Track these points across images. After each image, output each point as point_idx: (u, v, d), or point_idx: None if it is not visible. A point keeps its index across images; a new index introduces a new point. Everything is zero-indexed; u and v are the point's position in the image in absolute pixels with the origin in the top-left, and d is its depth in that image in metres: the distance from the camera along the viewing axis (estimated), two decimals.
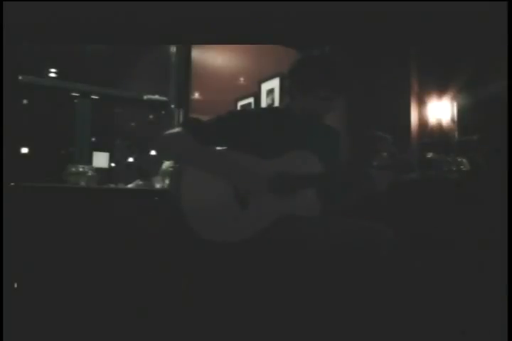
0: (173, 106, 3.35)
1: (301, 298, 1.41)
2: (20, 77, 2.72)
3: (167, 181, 2.71)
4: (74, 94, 3.14)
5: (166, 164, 2.78)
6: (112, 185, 2.76)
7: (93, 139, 3.48)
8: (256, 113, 1.71)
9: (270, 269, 1.44)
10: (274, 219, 1.46)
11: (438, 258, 1.84)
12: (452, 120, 2.59)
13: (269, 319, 1.44)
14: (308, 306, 1.39)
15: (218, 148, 1.56)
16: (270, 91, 3.25)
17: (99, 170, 2.83)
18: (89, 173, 2.55)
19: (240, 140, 1.51)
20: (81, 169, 2.54)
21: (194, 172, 1.46)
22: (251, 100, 3.44)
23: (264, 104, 3.33)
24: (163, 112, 3.45)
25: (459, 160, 1.38)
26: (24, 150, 3.40)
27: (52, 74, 3.54)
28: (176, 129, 1.56)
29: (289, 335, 1.40)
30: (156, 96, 3.36)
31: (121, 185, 2.76)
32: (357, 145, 2.48)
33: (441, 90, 2.64)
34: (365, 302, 1.32)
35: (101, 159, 3.11)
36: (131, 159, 3.99)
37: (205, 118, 1.59)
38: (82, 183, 2.49)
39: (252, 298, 1.48)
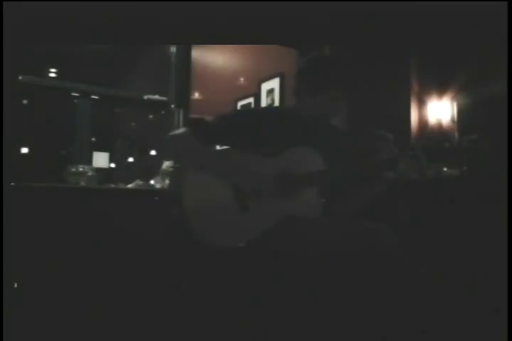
0: (173, 106, 3.35)
1: (302, 301, 1.40)
2: (20, 77, 2.72)
3: (167, 181, 2.71)
4: (74, 94, 3.14)
5: (166, 164, 2.78)
6: (112, 185, 2.76)
7: (93, 139, 3.48)
8: (260, 113, 1.70)
9: (271, 271, 1.43)
10: (274, 221, 1.44)
11: (439, 259, 1.84)
12: (452, 120, 2.59)
13: (268, 322, 1.43)
14: (310, 309, 1.39)
15: (222, 147, 1.56)
16: (270, 91, 3.25)
17: (99, 170, 2.83)
18: (89, 173, 2.55)
19: (243, 140, 1.51)
20: (81, 169, 2.54)
21: (195, 173, 1.46)
22: (251, 100, 3.44)
23: (264, 104, 3.33)
24: (163, 112, 3.46)
25: (459, 159, 1.38)
26: (24, 150, 3.41)
27: (52, 74, 3.54)
28: (181, 129, 1.57)
29: (290, 337, 1.40)
30: (156, 96, 3.35)
31: (121, 185, 2.76)
32: (357, 144, 2.48)
33: (441, 90, 2.65)
34: (368, 304, 1.32)
35: (101, 159, 3.11)
36: (131, 159, 4.00)
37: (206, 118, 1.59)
38: (82, 183, 2.49)
39: (252, 301, 1.47)
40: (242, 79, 3.61)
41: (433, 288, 1.51)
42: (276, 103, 3.18)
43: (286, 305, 1.42)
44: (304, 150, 1.53)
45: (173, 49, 3.43)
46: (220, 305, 1.51)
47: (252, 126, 1.53)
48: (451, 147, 1.32)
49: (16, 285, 1.89)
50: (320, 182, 1.52)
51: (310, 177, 1.49)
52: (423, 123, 2.68)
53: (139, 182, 2.72)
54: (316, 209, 1.52)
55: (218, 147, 1.78)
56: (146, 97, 3.33)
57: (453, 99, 2.59)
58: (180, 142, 1.51)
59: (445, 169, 1.99)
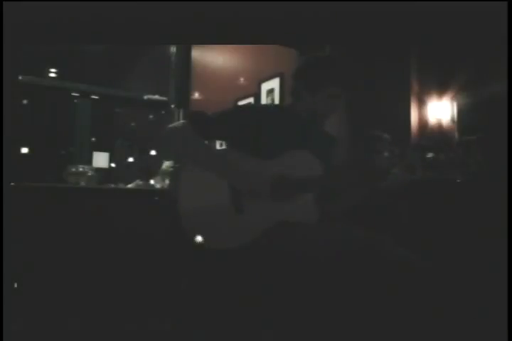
0: (173, 106, 3.35)
1: (298, 307, 1.39)
2: (20, 77, 2.72)
3: (167, 181, 2.71)
4: (74, 94, 3.15)
5: (166, 164, 2.78)
6: (112, 185, 2.76)
7: (93, 139, 3.48)
8: (260, 109, 1.70)
9: (265, 274, 1.42)
10: (270, 224, 1.43)
11: (439, 261, 1.84)
12: (452, 120, 2.59)
13: (262, 327, 1.42)
14: (305, 315, 1.38)
15: (221, 148, 1.55)
16: (270, 91, 3.25)
17: (99, 170, 2.83)
18: (89, 173, 2.55)
19: (242, 136, 1.50)
20: (81, 169, 2.54)
21: (192, 173, 1.46)
22: (251, 100, 3.44)
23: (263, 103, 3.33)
24: (163, 112, 3.46)
25: (460, 159, 1.37)
26: (24, 150, 3.41)
27: (52, 74, 3.54)
28: (180, 122, 1.57)
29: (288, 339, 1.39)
30: (156, 96, 3.36)
31: (121, 185, 2.77)
32: (357, 145, 2.48)
33: (441, 90, 2.65)
34: (366, 311, 1.31)
35: (101, 159, 3.12)
36: (131, 159, 4.00)
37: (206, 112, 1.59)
38: (82, 183, 2.49)
39: (248, 302, 1.46)
40: (242, 79, 3.61)
41: (433, 289, 1.51)
42: (276, 103, 3.18)
43: (282, 312, 1.41)
44: (303, 154, 1.53)
45: (173, 49, 3.43)
46: (217, 306, 1.51)
47: (252, 122, 1.52)
48: (451, 147, 1.32)
49: (16, 285, 1.89)
50: (318, 186, 1.51)
51: (309, 182, 1.48)
52: (423, 123, 2.68)
53: (139, 182, 2.72)
54: (313, 213, 1.51)
55: (218, 147, 1.78)
56: (146, 97, 3.34)
57: (453, 99, 2.59)
58: (179, 134, 1.49)
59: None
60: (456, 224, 1.89)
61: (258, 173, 1.45)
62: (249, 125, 1.51)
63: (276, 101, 3.18)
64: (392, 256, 1.31)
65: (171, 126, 1.54)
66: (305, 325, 1.38)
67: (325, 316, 1.35)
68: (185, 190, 1.43)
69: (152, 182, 2.81)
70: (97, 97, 3.20)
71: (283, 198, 1.45)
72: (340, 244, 1.34)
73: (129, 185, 2.71)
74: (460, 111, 2.56)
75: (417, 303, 1.32)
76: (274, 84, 3.20)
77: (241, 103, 3.52)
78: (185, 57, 3.38)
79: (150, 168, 3.05)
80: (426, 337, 1.34)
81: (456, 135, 2.54)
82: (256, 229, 1.41)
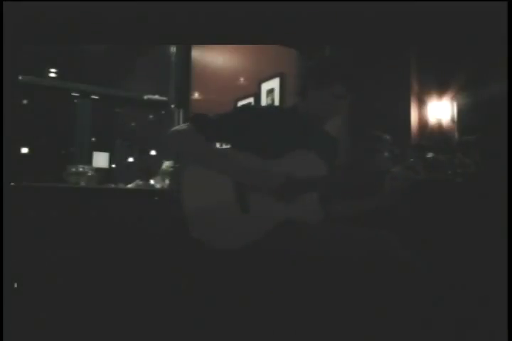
0: (173, 106, 3.36)
1: (300, 308, 1.39)
2: (20, 77, 2.72)
3: (167, 181, 2.71)
4: (74, 94, 3.15)
5: (166, 164, 2.78)
6: (112, 185, 2.77)
7: (93, 139, 3.48)
8: (262, 111, 1.70)
9: (269, 275, 1.42)
10: (273, 225, 1.42)
11: (441, 261, 1.84)
12: (452, 120, 2.59)
13: (266, 329, 1.42)
14: (308, 316, 1.37)
15: (222, 146, 1.55)
16: (270, 91, 3.25)
17: (99, 170, 2.83)
18: (89, 173, 2.55)
19: (245, 138, 1.51)
20: (81, 169, 2.54)
21: (195, 172, 1.46)
22: (251, 100, 3.44)
23: (264, 104, 3.33)
24: (163, 112, 3.46)
25: (459, 160, 1.37)
26: (24, 150, 3.41)
27: (52, 74, 3.54)
28: (183, 125, 1.57)
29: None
30: (156, 96, 3.36)
31: (121, 185, 2.77)
32: (357, 145, 2.48)
33: (441, 90, 2.65)
34: (369, 311, 1.31)
35: (101, 159, 3.12)
36: (131, 159, 4.00)
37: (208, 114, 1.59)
38: (82, 183, 2.49)
39: (249, 302, 1.46)
40: (242, 79, 3.61)
41: (436, 290, 1.51)
42: (276, 103, 3.18)
43: (284, 313, 1.41)
44: (305, 154, 1.53)
45: (173, 49, 3.44)
46: (219, 306, 1.51)
47: (254, 123, 1.53)
48: (451, 147, 1.33)
49: (16, 285, 1.89)
50: (321, 186, 1.51)
51: (311, 182, 1.48)
52: (423, 123, 2.68)
53: (139, 182, 2.72)
54: (316, 213, 1.51)
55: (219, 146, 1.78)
56: (146, 97, 3.34)
57: (453, 99, 2.59)
58: (183, 137, 1.50)
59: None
60: (455, 225, 1.89)
61: (262, 173, 1.45)
62: (250, 126, 1.52)
63: (277, 101, 3.18)
64: (395, 257, 1.31)
65: (174, 129, 1.55)
66: (308, 324, 1.38)
67: (328, 316, 1.36)
68: (189, 190, 1.43)
69: (152, 182, 2.81)
70: (97, 97, 3.20)
71: (286, 198, 1.45)
72: (343, 244, 1.34)
73: (129, 185, 2.72)
74: (460, 111, 2.56)
75: (418, 303, 1.32)
76: (274, 84, 3.20)
77: (241, 103, 3.52)
78: (185, 57, 3.38)
79: (150, 168, 3.05)
80: (427, 337, 1.34)
81: (456, 135, 2.54)
82: (259, 229, 1.41)
